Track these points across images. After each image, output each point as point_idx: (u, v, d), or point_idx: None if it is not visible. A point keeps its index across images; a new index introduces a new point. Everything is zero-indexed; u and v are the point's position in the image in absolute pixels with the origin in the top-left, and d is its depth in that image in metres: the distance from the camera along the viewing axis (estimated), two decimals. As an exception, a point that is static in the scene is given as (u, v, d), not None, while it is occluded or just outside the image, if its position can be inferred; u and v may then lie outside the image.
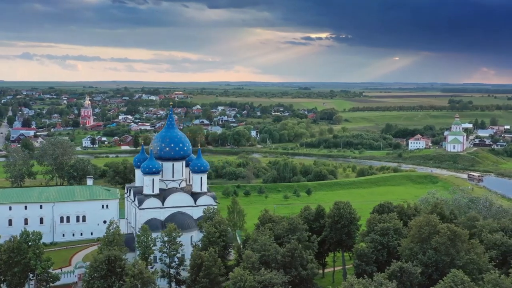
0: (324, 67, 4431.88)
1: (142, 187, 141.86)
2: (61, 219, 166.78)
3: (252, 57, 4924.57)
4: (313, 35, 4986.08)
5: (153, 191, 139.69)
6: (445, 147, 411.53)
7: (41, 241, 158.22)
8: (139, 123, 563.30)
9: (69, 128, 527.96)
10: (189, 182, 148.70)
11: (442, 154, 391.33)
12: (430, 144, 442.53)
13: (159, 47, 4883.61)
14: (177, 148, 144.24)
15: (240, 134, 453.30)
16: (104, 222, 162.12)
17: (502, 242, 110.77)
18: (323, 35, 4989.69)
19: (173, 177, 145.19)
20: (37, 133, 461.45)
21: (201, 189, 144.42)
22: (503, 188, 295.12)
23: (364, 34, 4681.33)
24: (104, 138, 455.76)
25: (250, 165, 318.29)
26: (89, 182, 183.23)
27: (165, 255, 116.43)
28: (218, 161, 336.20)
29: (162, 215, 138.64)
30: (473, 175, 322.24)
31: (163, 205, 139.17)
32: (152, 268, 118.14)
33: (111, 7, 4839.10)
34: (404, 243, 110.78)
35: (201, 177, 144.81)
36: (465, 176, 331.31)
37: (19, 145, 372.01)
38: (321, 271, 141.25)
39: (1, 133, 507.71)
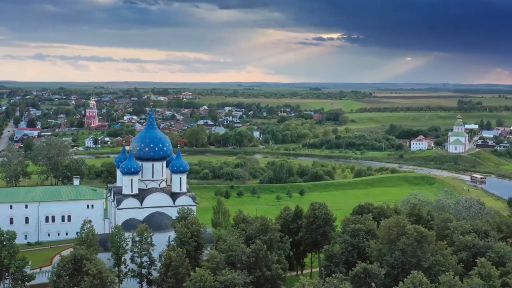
0: (335, 68, 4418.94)
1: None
2: (46, 219, 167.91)
3: (263, 58, 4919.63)
4: (324, 36, 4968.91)
5: (132, 191, 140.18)
6: (447, 148, 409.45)
7: (26, 241, 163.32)
8: (144, 124, 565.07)
9: (74, 128, 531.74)
10: (170, 183, 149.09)
11: (443, 155, 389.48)
12: (432, 145, 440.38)
13: (171, 47, 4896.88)
14: (156, 149, 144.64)
15: (242, 134, 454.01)
16: (89, 221, 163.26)
17: (473, 244, 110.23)
18: (335, 35, 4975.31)
19: (153, 177, 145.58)
20: (41, 134, 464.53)
21: (180, 189, 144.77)
22: (503, 189, 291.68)
23: (376, 35, 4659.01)
24: (107, 139, 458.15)
25: (248, 165, 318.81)
26: (76, 182, 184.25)
27: (136, 255, 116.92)
28: (216, 162, 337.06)
29: (140, 215, 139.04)
30: (476, 177, 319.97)
31: (141, 205, 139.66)
32: (125, 268, 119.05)
33: (122, 8, 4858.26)
34: (373, 244, 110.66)
35: (180, 177, 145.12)
36: (467, 177, 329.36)
37: (22, 145, 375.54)
38: (299, 272, 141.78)
39: (9, 131, 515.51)
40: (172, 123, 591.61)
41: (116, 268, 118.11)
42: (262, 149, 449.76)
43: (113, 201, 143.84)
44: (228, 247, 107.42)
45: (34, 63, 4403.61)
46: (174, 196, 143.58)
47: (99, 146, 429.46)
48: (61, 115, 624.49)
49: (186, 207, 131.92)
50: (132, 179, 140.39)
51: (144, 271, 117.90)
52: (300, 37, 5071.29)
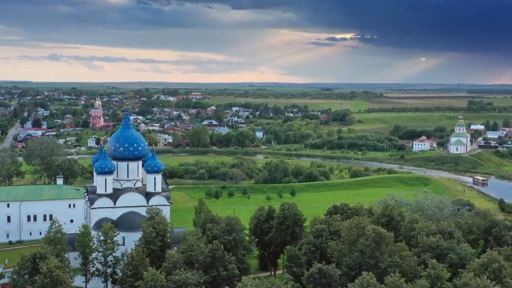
0: (349, 68, 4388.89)
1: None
2: (28, 218, 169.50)
3: (277, 58, 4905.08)
4: (337, 36, 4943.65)
5: (105, 191, 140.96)
6: (448, 148, 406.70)
7: (8, 239, 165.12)
8: (149, 124, 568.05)
9: (79, 128, 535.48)
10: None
11: (444, 156, 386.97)
12: (435, 145, 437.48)
13: (184, 48, 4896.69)
14: (131, 148, 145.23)
15: (243, 135, 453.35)
16: (71, 221, 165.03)
17: (437, 245, 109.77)
18: (348, 35, 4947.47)
19: (128, 177, 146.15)
20: (46, 133, 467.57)
21: (154, 189, 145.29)
22: (502, 191, 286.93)
23: (390, 35, 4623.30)
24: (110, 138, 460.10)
25: (245, 166, 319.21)
26: (59, 181, 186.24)
27: (101, 254, 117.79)
28: (214, 162, 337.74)
29: (114, 214, 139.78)
30: (478, 179, 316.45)
31: (115, 204, 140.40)
32: (93, 267, 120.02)
33: (135, 8, 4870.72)
34: (334, 244, 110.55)
35: (154, 177, 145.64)
36: (469, 179, 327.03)
37: (25, 145, 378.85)
38: (273, 273, 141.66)
39: (16, 129, 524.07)
40: (178, 123, 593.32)
41: (84, 267, 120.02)
42: (264, 150, 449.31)
43: (88, 200, 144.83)
44: (188, 247, 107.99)
45: (49, 64, 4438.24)
46: (148, 196, 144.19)
47: (101, 145, 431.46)
48: (68, 115, 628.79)
49: (155, 207, 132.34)
50: (106, 179, 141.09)
51: (109, 270, 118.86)
52: (313, 37, 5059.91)
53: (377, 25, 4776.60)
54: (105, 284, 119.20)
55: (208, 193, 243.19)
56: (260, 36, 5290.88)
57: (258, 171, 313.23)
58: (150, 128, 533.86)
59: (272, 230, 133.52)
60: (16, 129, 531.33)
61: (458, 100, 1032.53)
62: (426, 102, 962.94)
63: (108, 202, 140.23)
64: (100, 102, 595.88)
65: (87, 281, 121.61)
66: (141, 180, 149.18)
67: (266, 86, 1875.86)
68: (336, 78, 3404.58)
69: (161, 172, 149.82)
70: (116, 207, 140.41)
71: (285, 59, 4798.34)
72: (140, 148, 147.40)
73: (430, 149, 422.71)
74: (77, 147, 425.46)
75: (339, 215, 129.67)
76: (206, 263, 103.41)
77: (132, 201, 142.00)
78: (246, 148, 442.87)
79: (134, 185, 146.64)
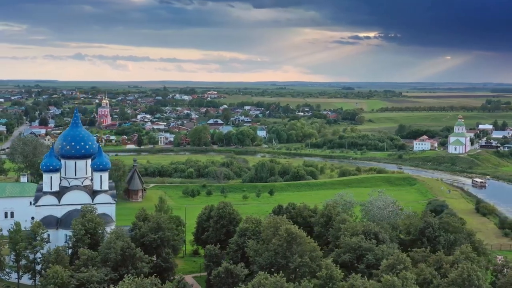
0: (372, 67, 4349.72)
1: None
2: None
3: (300, 57, 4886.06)
4: (361, 34, 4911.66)
5: (51, 189, 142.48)
6: (447, 148, 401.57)
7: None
8: (155, 122, 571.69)
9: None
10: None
11: (441, 156, 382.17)
12: (436, 145, 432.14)
13: (207, 47, 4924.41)
14: (78, 147, 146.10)
15: (244, 134, 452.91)
16: (32, 218, 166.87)
17: (359, 246, 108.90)
18: (371, 34, 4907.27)
19: (75, 175, 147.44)
20: (51, 132, 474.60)
21: (101, 187, 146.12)
22: (499, 193, 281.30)
23: (414, 33, 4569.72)
24: (112, 137, 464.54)
25: (234, 165, 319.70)
26: (23, 179, 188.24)
27: (29, 251, 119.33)
28: (205, 161, 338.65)
29: (59, 212, 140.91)
30: (476, 181, 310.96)
31: (59, 202, 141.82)
32: (25, 264, 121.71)
33: (158, 8, 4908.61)
34: (250, 244, 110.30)
35: (100, 175, 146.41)
36: (465, 179, 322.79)
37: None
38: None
39: (26, 123, 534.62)
40: (185, 122, 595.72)
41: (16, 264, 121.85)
42: (264, 149, 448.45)
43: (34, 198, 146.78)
44: (105, 245, 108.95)
45: (74, 63, 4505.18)
46: (94, 194, 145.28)
47: (102, 144, 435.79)
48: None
49: (87, 205, 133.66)
50: (51, 177, 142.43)
51: (38, 267, 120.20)
52: (336, 36, 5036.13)
53: (401, 24, 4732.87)
54: (33, 280, 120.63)
55: (185, 192, 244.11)
56: (282, 35, 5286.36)
57: (248, 170, 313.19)
58: (155, 126, 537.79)
59: (209, 229, 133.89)
60: (25, 124, 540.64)
61: (476, 99, 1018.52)
62: (443, 101, 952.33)
63: (52, 200, 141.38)
64: (107, 101, 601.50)
65: (19, 278, 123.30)
66: (90, 178, 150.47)
67: (289, 85, 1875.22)
68: (360, 77, 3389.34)
69: (108, 170, 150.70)
70: (61, 205, 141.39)
71: (309, 58, 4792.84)
72: (87, 147, 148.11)
73: (430, 149, 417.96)
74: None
75: (271, 213, 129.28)
76: (117, 261, 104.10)
77: (77, 199, 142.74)
78: (246, 147, 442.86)
79: (82, 183, 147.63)
